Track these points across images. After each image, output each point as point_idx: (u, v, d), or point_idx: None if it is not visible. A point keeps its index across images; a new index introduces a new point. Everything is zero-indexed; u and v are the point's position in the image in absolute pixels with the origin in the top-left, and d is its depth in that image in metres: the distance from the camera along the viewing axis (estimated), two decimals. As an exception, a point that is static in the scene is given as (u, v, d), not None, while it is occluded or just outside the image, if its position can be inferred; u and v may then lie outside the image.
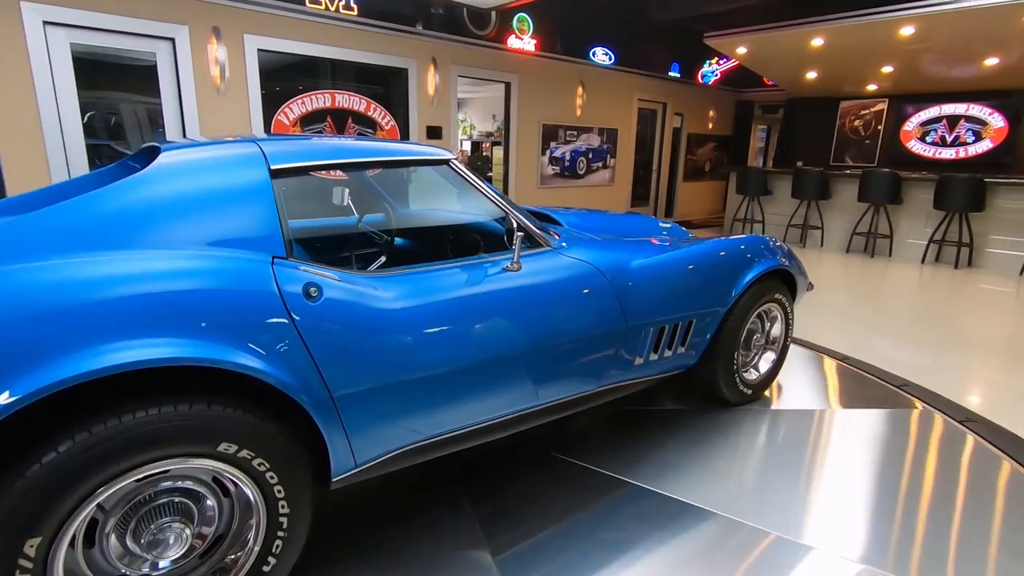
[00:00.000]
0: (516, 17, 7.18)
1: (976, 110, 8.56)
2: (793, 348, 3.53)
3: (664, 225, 3.24)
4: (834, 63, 8.19)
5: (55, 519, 1.11)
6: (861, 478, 2.22)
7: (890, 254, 7.23)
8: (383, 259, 2.40)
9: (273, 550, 1.41)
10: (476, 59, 6.88)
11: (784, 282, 2.68)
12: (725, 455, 2.35)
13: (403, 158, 1.85)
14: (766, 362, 2.79)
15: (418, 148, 1.86)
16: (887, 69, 8.15)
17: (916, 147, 9.19)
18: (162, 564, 1.33)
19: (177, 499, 1.32)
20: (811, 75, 8.91)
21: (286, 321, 1.33)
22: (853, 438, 2.53)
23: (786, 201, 8.16)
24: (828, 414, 2.77)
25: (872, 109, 9.65)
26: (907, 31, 6.50)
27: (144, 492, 1.27)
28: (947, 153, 8.91)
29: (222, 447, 1.26)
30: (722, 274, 2.38)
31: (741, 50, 8.16)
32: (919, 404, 2.85)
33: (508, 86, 7.38)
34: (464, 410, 1.72)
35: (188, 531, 1.32)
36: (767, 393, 2.92)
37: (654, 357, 2.20)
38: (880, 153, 9.57)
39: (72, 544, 1.19)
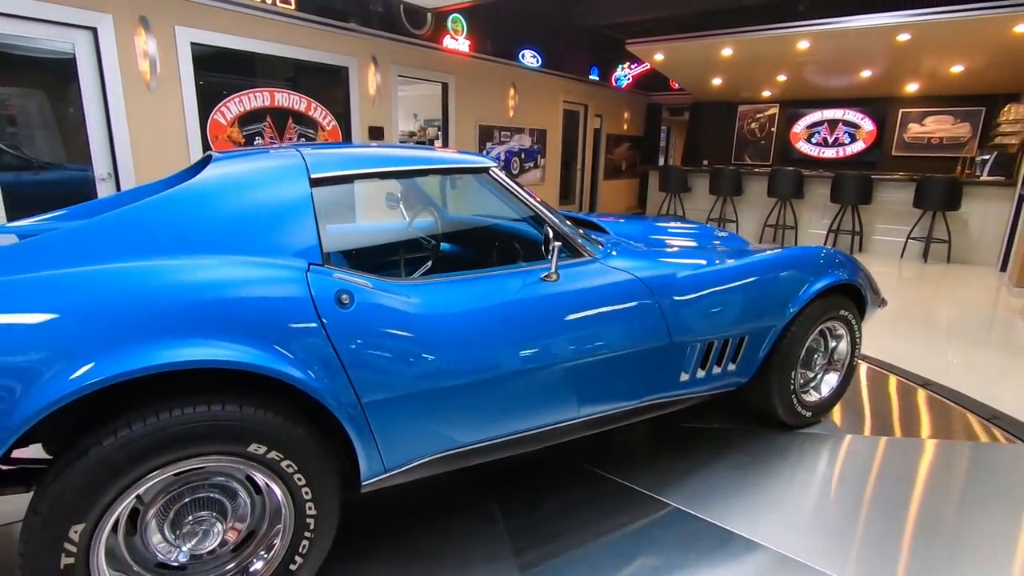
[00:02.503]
0: (450, 18, 7.17)
1: (851, 115, 9.81)
2: (863, 367, 3.37)
3: (720, 234, 3.09)
4: (737, 71, 9.01)
5: (97, 507, 1.19)
6: (932, 519, 1.97)
7: (795, 242, 8.13)
8: (424, 266, 2.38)
9: (300, 550, 1.46)
10: (415, 59, 6.78)
11: (851, 298, 2.49)
12: (779, 482, 2.16)
13: (445, 166, 1.87)
14: (829, 383, 2.60)
15: (460, 157, 1.88)
16: (781, 78, 9.10)
17: (804, 147, 10.36)
18: (197, 554, 1.40)
19: (212, 495, 1.40)
20: (716, 81, 9.73)
21: (317, 327, 1.37)
22: (929, 472, 2.27)
23: (703, 197, 8.86)
24: (899, 444, 2.50)
25: (766, 113, 10.72)
26: (803, 45, 7.33)
27: (181, 487, 1.36)
28: (829, 152, 10.14)
29: (252, 448, 1.31)
30: (779, 289, 2.22)
31: (658, 56, 8.73)
32: (1007, 439, 2.57)
33: (445, 86, 7.35)
34: (497, 421, 1.70)
35: (221, 525, 1.41)
36: (830, 417, 2.70)
37: (701, 374, 2.11)
38: (774, 152, 10.68)
39: (115, 530, 1.28)
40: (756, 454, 2.37)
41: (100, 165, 4.45)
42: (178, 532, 1.37)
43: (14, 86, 4.11)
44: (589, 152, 10.63)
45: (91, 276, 1.25)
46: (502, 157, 8.42)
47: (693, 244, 2.68)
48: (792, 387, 2.38)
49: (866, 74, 8.35)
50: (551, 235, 1.74)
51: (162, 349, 1.21)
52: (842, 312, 2.44)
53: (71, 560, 1.20)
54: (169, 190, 1.46)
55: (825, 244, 7.80)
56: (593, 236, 2.15)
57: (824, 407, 2.59)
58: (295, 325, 1.35)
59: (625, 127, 11.58)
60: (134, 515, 1.33)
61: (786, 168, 7.92)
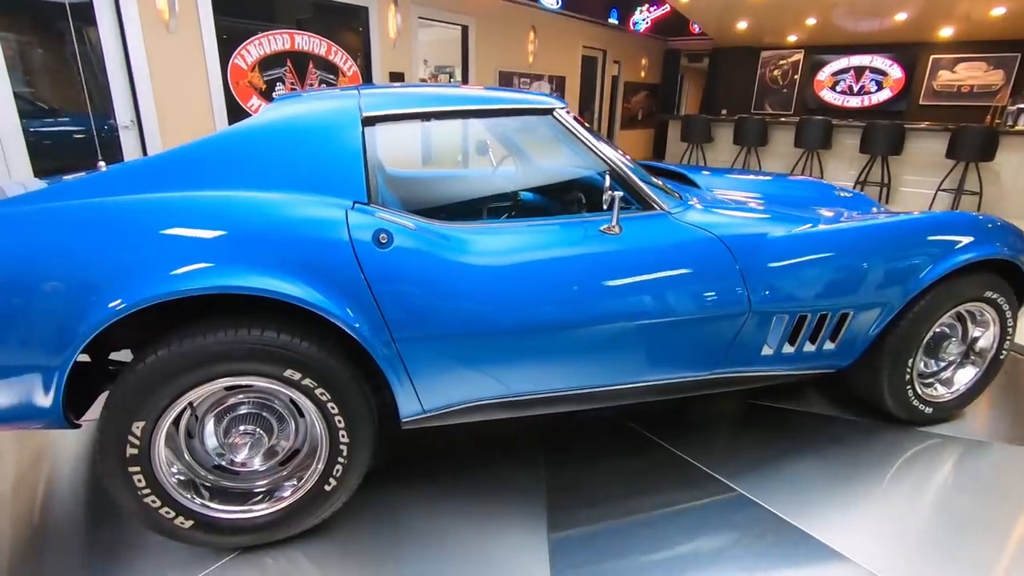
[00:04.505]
0: (470, -46, 6.79)
1: (879, 61, 9.48)
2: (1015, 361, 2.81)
3: (843, 194, 2.70)
4: (764, 12, 8.64)
5: (155, 408, 1.36)
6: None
7: (819, 195, 8.00)
8: (482, 212, 2.30)
9: (334, 473, 1.54)
10: (435, -1, 6.46)
11: (1006, 277, 2.07)
12: (875, 486, 1.87)
13: (502, 107, 1.74)
14: (963, 377, 2.20)
15: (521, 96, 1.77)
16: (810, 21, 8.73)
17: (828, 96, 10.05)
18: (247, 461, 1.56)
19: (258, 412, 1.53)
20: (741, 25, 9.34)
21: (353, 264, 1.42)
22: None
23: (727, 148, 8.66)
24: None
25: (789, 60, 10.35)
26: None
27: (230, 401, 1.51)
28: (854, 101, 9.84)
29: (287, 373, 1.40)
30: (903, 260, 1.89)
31: (684, -2, 8.34)
32: None
33: (465, 30, 7.03)
34: (546, 375, 1.67)
35: (266, 440, 1.53)
36: (963, 416, 2.27)
37: (788, 350, 1.89)
38: (796, 101, 10.37)
39: (176, 429, 1.47)
40: (851, 448, 2.07)
41: (122, 113, 4.27)
42: (228, 441, 1.51)
43: (31, 32, 3.89)
44: (607, 101, 10.32)
45: (151, 203, 1.39)
46: (521, 105, 8.15)
47: (808, 204, 2.34)
48: (908, 377, 2.04)
49: (900, 16, 8.01)
50: (609, 183, 1.62)
51: (207, 274, 1.32)
52: (990, 294, 2.03)
53: (135, 451, 1.37)
54: (226, 128, 1.56)
55: (851, 196, 7.68)
56: (676, 190, 2.00)
57: (952, 404, 2.19)
58: (332, 261, 1.41)
59: (643, 75, 11.20)
60: (194, 422, 1.51)
61: (815, 117, 7.70)
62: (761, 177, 2.73)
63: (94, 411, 1.51)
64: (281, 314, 1.44)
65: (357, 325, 1.42)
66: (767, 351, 1.87)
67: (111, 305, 1.27)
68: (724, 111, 10.13)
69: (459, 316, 1.51)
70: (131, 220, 1.35)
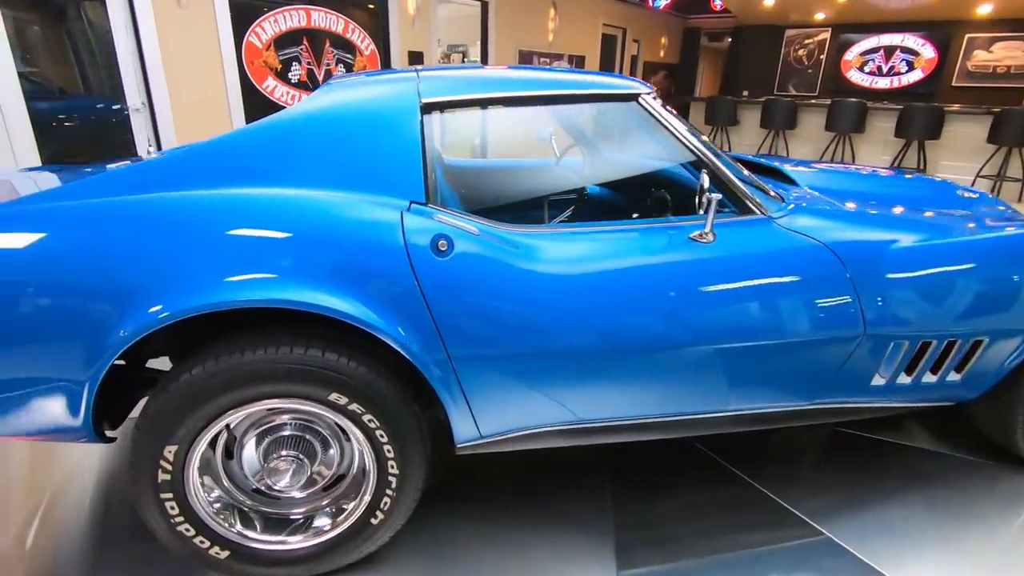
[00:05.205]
0: (491, -75, 6.44)
1: (911, 40, 9.11)
2: None
3: (967, 195, 2.32)
4: (794, -10, 8.27)
5: (189, 432, 1.24)
6: None
7: (850, 181, 7.72)
8: (551, 211, 2.07)
9: (381, 506, 1.40)
10: (455, -27, 6.13)
11: None
12: (993, 543, 1.62)
13: (581, 92, 1.51)
14: None
15: (600, 80, 1.53)
16: (841, -3, 8.37)
17: (855, 76, 9.70)
18: (287, 488, 1.41)
19: (301, 434, 1.39)
20: (768, 1, 8.96)
21: (409, 275, 1.25)
22: None
23: (753, 131, 8.35)
24: None
25: (815, 38, 9.98)
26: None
27: (272, 422, 1.38)
28: (883, 82, 9.50)
29: (333, 396, 1.27)
30: None
31: (711, -27, 7.97)
32: None
33: (485, 7, 6.71)
34: (620, 401, 1.48)
35: (309, 465, 1.39)
36: None
37: (904, 380, 1.64)
38: (822, 82, 10.03)
39: (213, 450, 1.36)
40: (966, 494, 1.79)
41: (133, 95, 4.02)
42: (268, 465, 1.38)
43: (35, 9, 3.62)
44: (625, 81, 9.97)
45: (203, 201, 1.25)
46: (540, 87, 7.85)
47: (926, 207, 2.01)
48: None
49: (938, -7, 7.65)
50: (707, 183, 1.39)
51: (245, 287, 1.18)
52: None
53: (167, 476, 1.27)
54: (270, 117, 1.37)
55: (884, 182, 7.41)
56: (772, 188, 1.73)
57: None
58: (385, 271, 1.25)
59: (662, 54, 10.84)
60: (232, 442, 1.40)
61: (849, 100, 7.38)
62: (865, 171, 2.40)
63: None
64: (325, 328, 1.30)
65: (409, 343, 1.27)
66: (878, 380, 1.62)
67: (152, 311, 1.14)
68: (745, 92, 9.78)
69: (526, 334, 1.34)
70: (180, 219, 1.21)
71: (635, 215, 1.98)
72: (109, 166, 1.67)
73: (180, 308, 1.15)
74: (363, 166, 1.33)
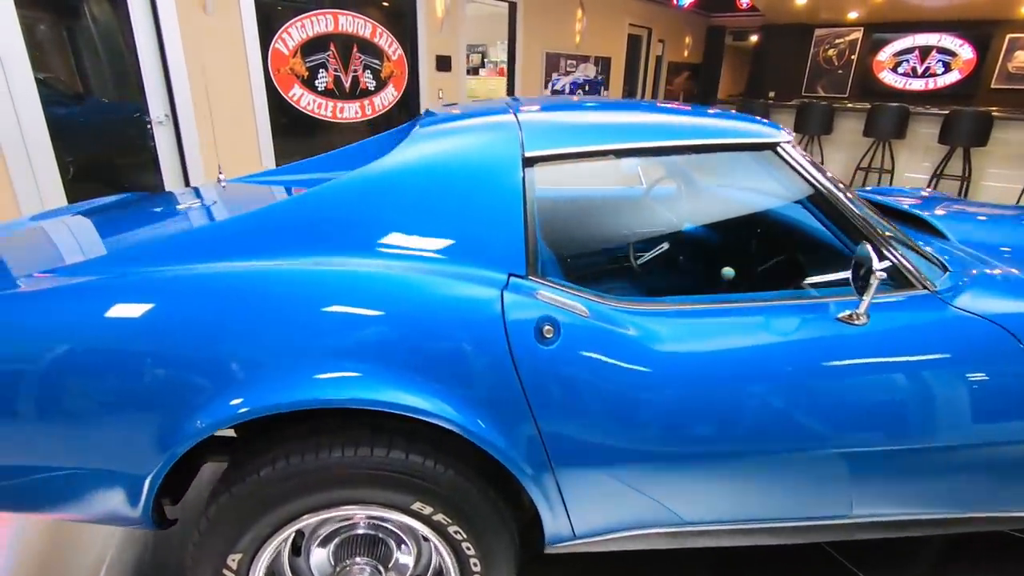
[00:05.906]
0: (520, -78, 6.18)
1: (948, 40, 8.80)
2: None
3: None
4: (829, -12, 7.98)
5: (255, 540, 1.13)
6: None
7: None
8: (660, 276, 1.81)
9: None
10: (484, -27, 5.88)
11: None
12: None
13: (710, 141, 1.29)
14: None
15: (735, 125, 1.31)
16: (878, -4, 8.07)
17: (888, 78, 9.39)
18: None
19: (375, 534, 1.28)
20: None
21: (508, 366, 1.07)
22: None
23: (785, 135, 8.06)
24: None
25: (847, 38, 9.67)
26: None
27: (342, 523, 1.25)
28: (916, 84, 9.19)
29: (416, 506, 1.13)
30: None
31: (744, -29, 7.68)
32: None
33: (513, 7, 6.46)
34: (735, 504, 1.28)
35: (382, 570, 1.28)
36: None
37: None
38: (852, 83, 9.72)
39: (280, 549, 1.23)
40: None
41: (156, 106, 3.80)
42: (339, 569, 1.27)
43: (55, 12, 3.40)
44: (650, 82, 9.71)
45: (295, 277, 1.08)
46: (566, 90, 7.60)
47: None
48: None
49: (982, -8, 7.34)
50: (874, 257, 1.09)
51: (333, 385, 1.03)
52: None
53: None
54: (356, 171, 1.20)
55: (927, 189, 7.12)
56: (923, 246, 1.44)
57: None
58: (482, 365, 1.07)
59: (686, 53, 10.55)
60: (300, 537, 1.29)
61: (890, 104, 7.09)
62: (1009, 214, 1.99)
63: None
64: (408, 424, 1.13)
65: (502, 445, 1.09)
66: None
67: (232, 404, 1.01)
68: (772, 94, 9.48)
69: (640, 434, 1.15)
70: (267, 298, 1.06)
71: (760, 275, 1.73)
72: (129, 201, 1.48)
73: (262, 404, 1.01)
74: (454, 232, 1.15)
